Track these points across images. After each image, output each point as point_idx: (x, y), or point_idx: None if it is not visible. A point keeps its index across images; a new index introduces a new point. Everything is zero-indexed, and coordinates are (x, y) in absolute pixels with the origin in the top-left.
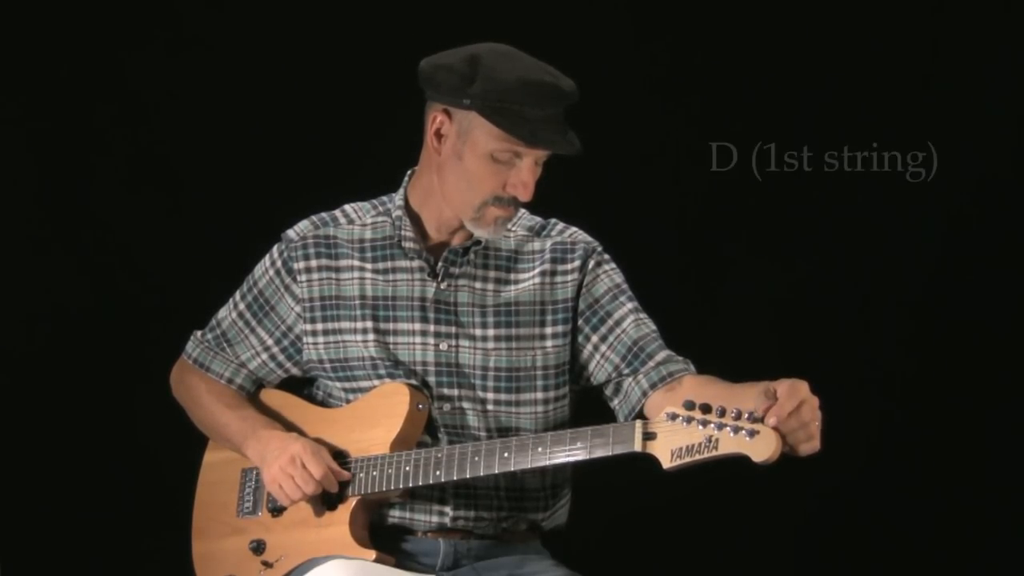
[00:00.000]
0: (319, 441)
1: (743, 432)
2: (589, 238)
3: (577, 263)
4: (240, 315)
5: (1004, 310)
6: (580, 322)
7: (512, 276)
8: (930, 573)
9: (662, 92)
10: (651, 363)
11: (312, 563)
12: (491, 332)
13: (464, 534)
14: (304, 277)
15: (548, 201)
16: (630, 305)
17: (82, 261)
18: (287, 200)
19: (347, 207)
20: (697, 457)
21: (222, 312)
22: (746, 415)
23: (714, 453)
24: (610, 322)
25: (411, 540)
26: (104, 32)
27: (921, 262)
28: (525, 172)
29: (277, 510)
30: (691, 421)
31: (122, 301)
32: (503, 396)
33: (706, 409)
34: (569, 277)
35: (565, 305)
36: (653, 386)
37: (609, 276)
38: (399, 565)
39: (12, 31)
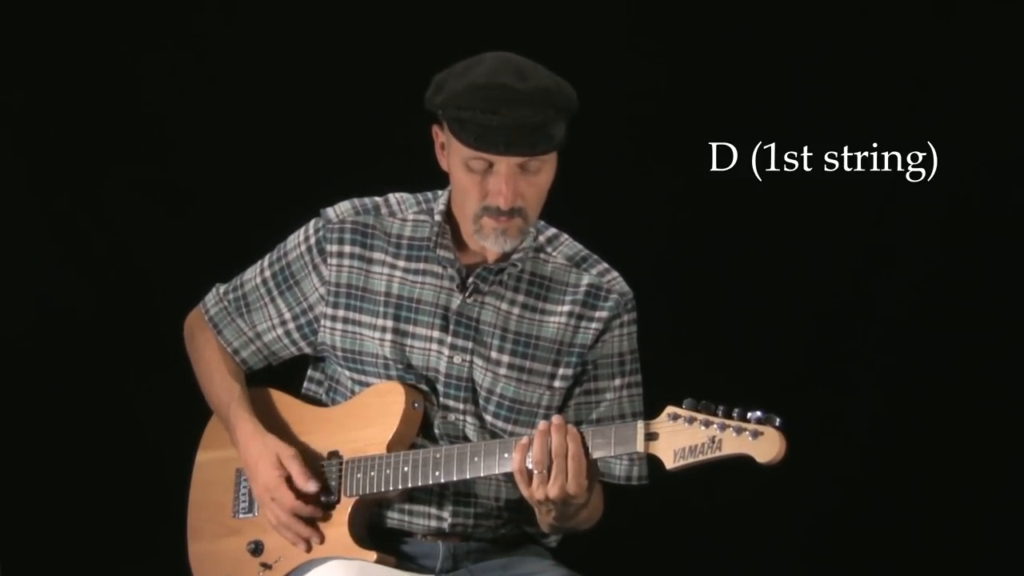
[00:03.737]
0: (312, 442)
1: (747, 433)
2: (625, 288)
3: (604, 314)
4: (264, 281)
5: (1004, 310)
6: (578, 368)
7: (541, 305)
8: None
9: (661, 91)
10: None
11: (311, 564)
12: (506, 358)
13: (463, 537)
14: (335, 260)
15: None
16: (620, 381)
17: (82, 259)
18: (289, 200)
19: (391, 197)
20: (700, 458)
21: (248, 273)
22: (750, 415)
23: (717, 454)
24: (590, 386)
25: (410, 542)
26: (108, 32)
27: (921, 262)
28: (500, 179)
29: None
30: (693, 421)
31: (121, 300)
32: (500, 423)
33: (709, 409)
34: (593, 325)
35: (581, 351)
36: None
37: (621, 341)
38: (398, 567)
39: (14, 32)
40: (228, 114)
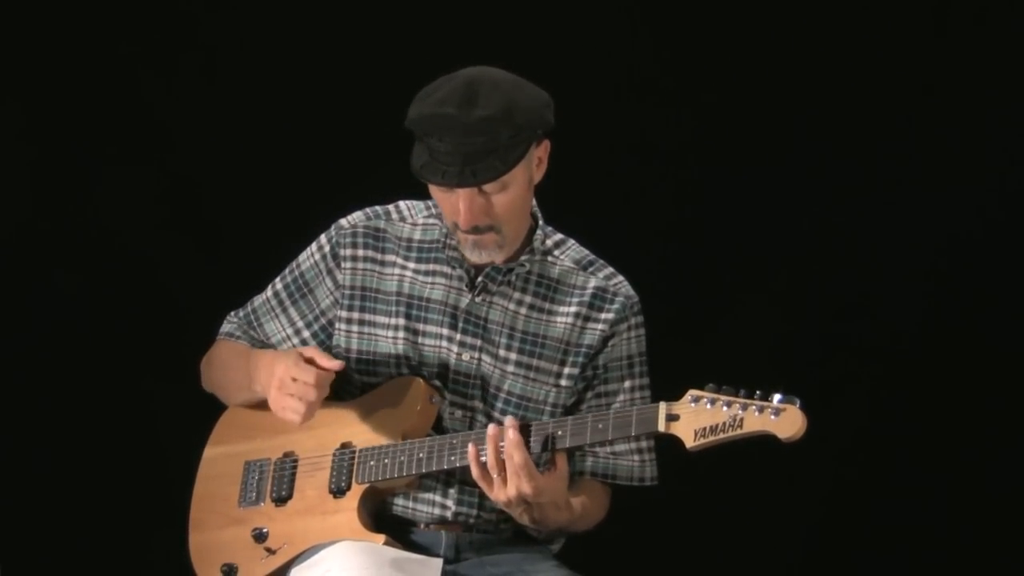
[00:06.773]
0: (326, 433)
1: (768, 411)
2: (631, 292)
3: (611, 316)
4: (275, 294)
5: (1005, 313)
6: (587, 371)
7: (548, 306)
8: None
9: (660, 92)
10: (607, 448)
11: (318, 548)
12: (513, 356)
13: (465, 527)
14: (349, 264)
15: (544, 205)
16: (630, 383)
17: (85, 261)
18: (298, 208)
19: (401, 204)
20: (721, 436)
21: (259, 296)
22: (770, 397)
23: (739, 431)
24: (601, 388)
25: (414, 532)
26: (113, 37)
27: (920, 264)
28: (458, 199)
29: (281, 500)
30: (715, 402)
31: (123, 301)
32: None
33: (730, 392)
34: (599, 326)
35: (588, 351)
36: (593, 472)
37: (629, 344)
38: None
39: (18, 35)
40: (236, 120)
